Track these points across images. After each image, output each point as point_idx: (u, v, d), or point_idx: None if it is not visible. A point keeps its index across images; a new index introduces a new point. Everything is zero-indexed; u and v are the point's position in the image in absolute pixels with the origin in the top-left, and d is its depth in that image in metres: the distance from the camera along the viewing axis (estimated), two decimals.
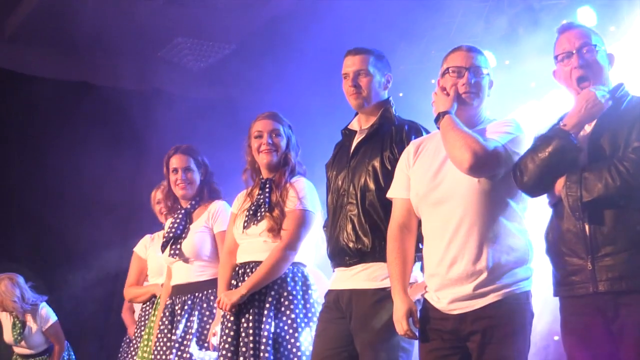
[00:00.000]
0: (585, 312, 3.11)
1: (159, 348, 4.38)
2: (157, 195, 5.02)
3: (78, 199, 7.14)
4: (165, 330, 4.30)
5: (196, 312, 4.35)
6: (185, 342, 4.26)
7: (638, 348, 3.02)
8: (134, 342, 5.23)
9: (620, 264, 3.00)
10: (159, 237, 5.09)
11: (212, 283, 4.31)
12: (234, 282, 4.04)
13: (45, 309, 5.96)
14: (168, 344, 4.26)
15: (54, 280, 7.17)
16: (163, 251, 4.41)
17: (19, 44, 8.02)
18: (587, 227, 3.05)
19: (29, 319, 5.92)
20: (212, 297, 4.26)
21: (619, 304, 3.00)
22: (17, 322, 5.83)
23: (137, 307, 5.46)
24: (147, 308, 5.05)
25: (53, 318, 6.02)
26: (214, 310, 4.25)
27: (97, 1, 7.07)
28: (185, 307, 4.33)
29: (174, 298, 4.37)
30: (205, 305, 4.37)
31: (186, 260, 4.38)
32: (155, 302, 4.87)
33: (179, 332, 4.26)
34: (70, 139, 6.83)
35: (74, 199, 7.03)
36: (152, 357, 4.39)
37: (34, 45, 8.05)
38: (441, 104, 3.32)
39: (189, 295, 4.37)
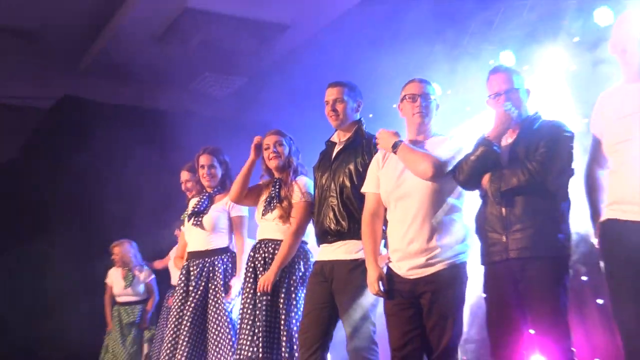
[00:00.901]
0: (500, 275, 3.19)
1: (178, 298, 4.60)
2: (184, 175, 5.17)
3: (125, 199, 7.34)
4: (182, 284, 4.55)
5: (205, 272, 4.54)
6: (198, 293, 4.45)
7: (537, 300, 3.10)
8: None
9: (526, 238, 3.06)
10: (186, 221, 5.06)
11: (218, 251, 4.52)
12: (251, 253, 4.18)
13: (146, 268, 6.46)
14: (184, 295, 4.52)
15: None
16: (188, 221, 4.57)
17: (90, 75, 8.32)
18: (503, 210, 3.13)
19: (137, 272, 6.37)
20: (216, 262, 4.46)
21: (525, 268, 3.06)
22: (129, 274, 6.30)
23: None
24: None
25: (152, 275, 6.47)
26: (217, 271, 4.49)
27: (147, 43, 7.40)
28: (198, 269, 4.53)
29: (189, 261, 4.57)
30: (211, 267, 4.52)
31: (202, 230, 4.55)
32: None
33: (191, 287, 4.49)
34: (124, 151, 7.22)
35: (124, 197, 7.29)
36: (174, 305, 4.59)
37: (100, 75, 8.30)
38: (389, 139, 3.43)
39: (200, 260, 4.52)
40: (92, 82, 8.05)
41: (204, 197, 4.52)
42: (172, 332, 4.24)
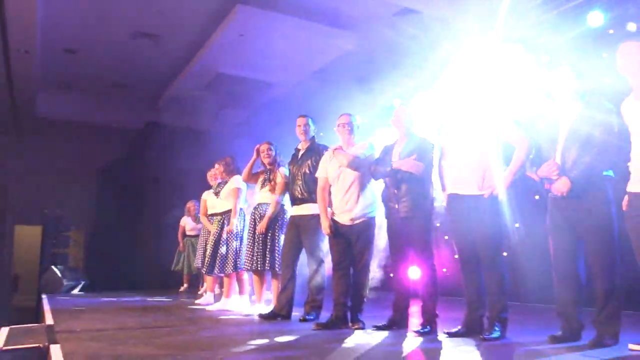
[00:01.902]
0: (395, 228, 4.07)
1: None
2: (210, 174, 6.64)
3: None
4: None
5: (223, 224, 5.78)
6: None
7: (416, 237, 3.90)
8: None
9: (407, 206, 3.98)
10: (208, 194, 6.61)
11: (227, 212, 5.91)
12: (253, 210, 5.29)
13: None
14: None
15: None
16: (215, 194, 6.12)
17: (163, 110, 10.79)
18: (395, 191, 4.01)
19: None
20: (225, 217, 5.88)
21: (407, 224, 3.97)
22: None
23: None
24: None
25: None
26: (227, 223, 5.76)
27: (198, 90, 9.51)
28: (218, 222, 5.87)
29: (212, 218, 6.08)
30: (225, 221, 5.86)
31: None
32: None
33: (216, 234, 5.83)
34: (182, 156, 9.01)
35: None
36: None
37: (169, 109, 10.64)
38: (332, 147, 4.38)
39: (219, 217, 5.98)
40: (164, 112, 10.50)
41: (221, 181, 6.15)
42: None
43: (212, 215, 6.25)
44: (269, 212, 5.09)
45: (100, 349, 3.03)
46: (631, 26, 5.40)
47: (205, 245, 6.15)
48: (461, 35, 6.66)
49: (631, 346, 3.06)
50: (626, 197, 3.20)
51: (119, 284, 9.14)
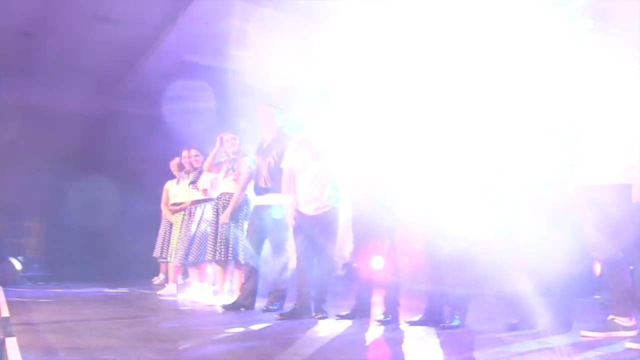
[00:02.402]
0: (360, 218, 4.18)
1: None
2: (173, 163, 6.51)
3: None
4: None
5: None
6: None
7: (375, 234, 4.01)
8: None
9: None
10: (172, 183, 6.49)
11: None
12: (216, 200, 5.29)
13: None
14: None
15: None
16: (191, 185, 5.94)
17: (123, 96, 10.25)
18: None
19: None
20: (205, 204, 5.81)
21: None
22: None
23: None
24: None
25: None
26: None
27: (159, 78, 8.94)
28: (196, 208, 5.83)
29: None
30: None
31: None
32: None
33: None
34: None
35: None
36: None
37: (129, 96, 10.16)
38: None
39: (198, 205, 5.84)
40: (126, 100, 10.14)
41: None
42: None
43: (175, 204, 6.19)
44: (233, 201, 5.07)
45: (58, 341, 2.96)
46: None
47: (165, 235, 6.14)
48: None
49: (583, 332, 3.18)
50: (575, 187, 3.25)
51: (80, 275, 8.82)
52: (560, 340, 3.04)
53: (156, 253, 6.51)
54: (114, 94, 10.44)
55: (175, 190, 6.24)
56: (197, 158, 6.08)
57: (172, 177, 6.58)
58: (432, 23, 4.66)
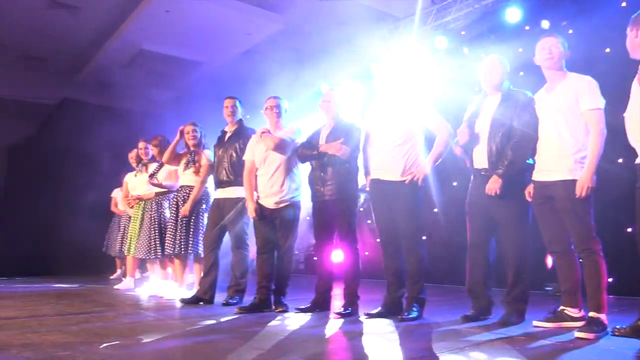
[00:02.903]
0: (320, 210, 4.14)
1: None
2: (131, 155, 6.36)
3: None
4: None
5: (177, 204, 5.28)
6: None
7: (340, 221, 3.98)
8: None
9: (333, 188, 4.03)
10: (130, 175, 6.29)
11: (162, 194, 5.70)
12: (176, 193, 5.20)
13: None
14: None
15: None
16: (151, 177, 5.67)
17: (81, 86, 9.97)
18: (321, 174, 4.10)
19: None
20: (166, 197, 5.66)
21: (332, 206, 4.04)
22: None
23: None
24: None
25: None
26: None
27: (118, 68, 8.92)
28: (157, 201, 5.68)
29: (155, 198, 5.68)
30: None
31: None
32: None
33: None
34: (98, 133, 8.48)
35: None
36: None
37: (88, 86, 9.89)
38: (259, 131, 4.27)
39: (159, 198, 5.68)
40: (83, 89, 9.85)
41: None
42: None
43: (133, 197, 6.00)
44: (193, 194, 5.00)
45: (10, 337, 2.88)
46: (545, 23, 5.77)
47: (124, 230, 5.96)
48: (388, 25, 6.84)
49: (535, 322, 3.32)
50: (531, 185, 3.41)
51: (34, 269, 8.64)
52: (513, 330, 3.13)
53: (112, 247, 6.29)
54: (72, 83, 10.17)
55: (134, 183, 6.08)
56: (147, 151, 5.97)
57: (132, 169, 6.40)
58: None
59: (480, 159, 3.56)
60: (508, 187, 3.43)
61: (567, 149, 3.22)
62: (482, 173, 3.54)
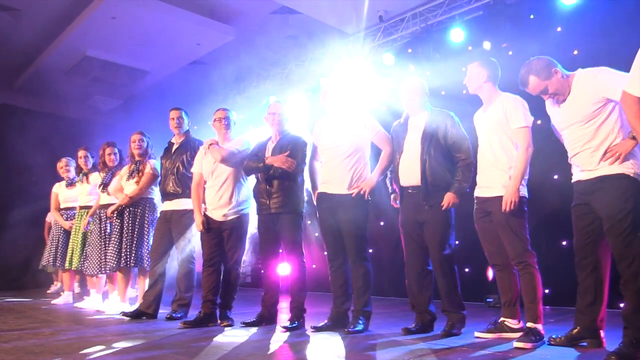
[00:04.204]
0: (266, 224, 4.08)
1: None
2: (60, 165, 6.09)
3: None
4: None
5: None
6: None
7: (287, 235, 3.96)
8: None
9: (279, 202, 3.99)
10: (60, 186, 6.09)
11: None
12: (116, 202, 5.01)
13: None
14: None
15: None
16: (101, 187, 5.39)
17: (21, 92, 9.52)
18: (267, 186, 4.05)
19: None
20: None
21: (278, 219, 3.99)
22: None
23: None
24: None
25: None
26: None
27: (59, 75, 8.49)
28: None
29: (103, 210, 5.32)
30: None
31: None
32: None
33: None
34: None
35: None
36: None
37: (27, 93, 9.48)
38: (207, 142, 4.25)
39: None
40: (22, 96, 9.54)
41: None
42: None
43: (67, 209, 5.85)
44: (127, 196, 4.86)
45: None
46: (486, 44, 5.99)
47: (58, 242, 5.73)
48: (337, 40, 6.92)
49: (477, 334, 3.41)
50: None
51: None
52: (455, 341, 3.21)
53: (48, 261, 5.98)
54: (11, 88, 9.71)
55: (69, 194, 5.85)
56: (87, 160, 5.76)
57: (60, 179, 6.14)
58: None
59: (409, 176, 3.62)
60: (437, 200, 3.50)
61: (500, 166, 3.37)
62: (410, 191, 3.61)
